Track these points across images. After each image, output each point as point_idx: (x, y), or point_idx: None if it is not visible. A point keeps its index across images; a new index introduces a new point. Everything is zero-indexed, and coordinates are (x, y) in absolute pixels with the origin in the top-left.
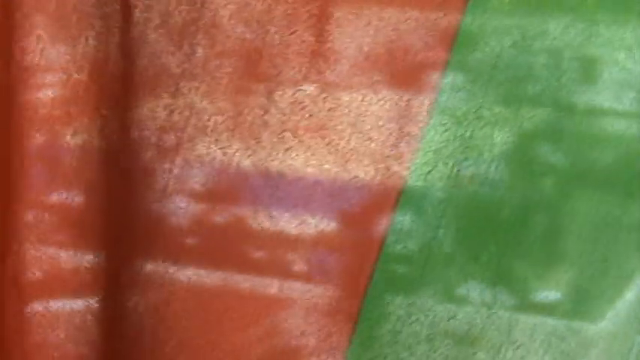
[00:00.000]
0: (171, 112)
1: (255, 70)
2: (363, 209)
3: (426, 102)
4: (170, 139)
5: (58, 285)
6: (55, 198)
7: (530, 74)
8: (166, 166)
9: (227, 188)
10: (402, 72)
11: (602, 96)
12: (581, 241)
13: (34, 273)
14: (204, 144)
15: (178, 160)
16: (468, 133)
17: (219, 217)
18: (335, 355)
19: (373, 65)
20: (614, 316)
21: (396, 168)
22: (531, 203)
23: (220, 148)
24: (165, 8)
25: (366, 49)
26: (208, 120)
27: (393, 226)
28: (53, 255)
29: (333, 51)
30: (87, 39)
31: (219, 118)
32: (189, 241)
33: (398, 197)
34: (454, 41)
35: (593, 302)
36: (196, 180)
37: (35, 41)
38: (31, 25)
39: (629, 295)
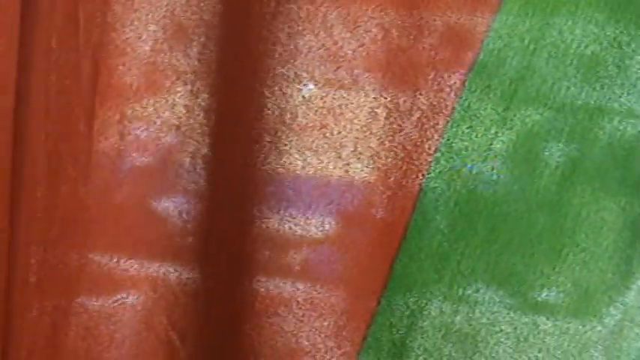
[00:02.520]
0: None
1: (257, 69)
2: (379, 210)
3: (448, 103)
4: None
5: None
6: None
7: (531, 74)
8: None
9: (229, 189)
10: (422, 73)
11: (603, 96)
12: (581, 240)
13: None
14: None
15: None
16: (476, 131)
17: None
18: (348, 357)
19: (390, 65)
20: (615, 316)
21: (415, 170)
22: (532, 203)
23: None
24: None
25: (383, 48)
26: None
27: (410, 228)
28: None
29: (344, 50)
30: None
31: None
32: (189, 241)
33: (416, 199)
34: (483, 43)
35: (594, 302)
36: (197, 180)
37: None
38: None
39: (630, 295)
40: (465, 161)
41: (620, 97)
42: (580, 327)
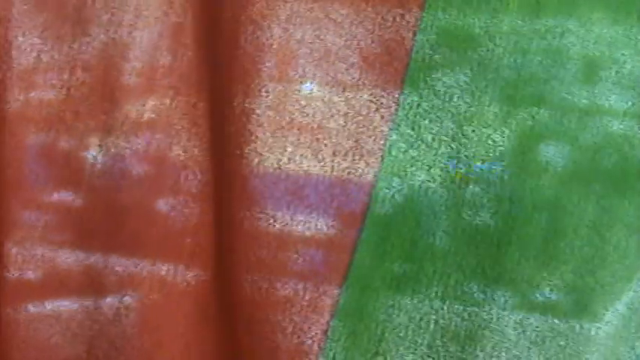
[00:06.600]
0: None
1: (251, 69)
2: (363, 209)
3: (391, 100)
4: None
5: (53, 286)
6: (54, 198)
7: (530, 74)
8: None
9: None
10: (360, 74)
11: (602, 96)
12: (581, 241)
13: (29, 273)
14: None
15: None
16: (468, 133)
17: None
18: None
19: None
20: (614, 316)
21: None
22: (531, 203)
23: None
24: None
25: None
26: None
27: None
28: (49, 255)
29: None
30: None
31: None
32: (188, 241)
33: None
34: (414, 37)
35: (593, 302)
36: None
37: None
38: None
39: (629, 296)
40: (466, 162)
41: (608, 94)
42: (580, 327)
